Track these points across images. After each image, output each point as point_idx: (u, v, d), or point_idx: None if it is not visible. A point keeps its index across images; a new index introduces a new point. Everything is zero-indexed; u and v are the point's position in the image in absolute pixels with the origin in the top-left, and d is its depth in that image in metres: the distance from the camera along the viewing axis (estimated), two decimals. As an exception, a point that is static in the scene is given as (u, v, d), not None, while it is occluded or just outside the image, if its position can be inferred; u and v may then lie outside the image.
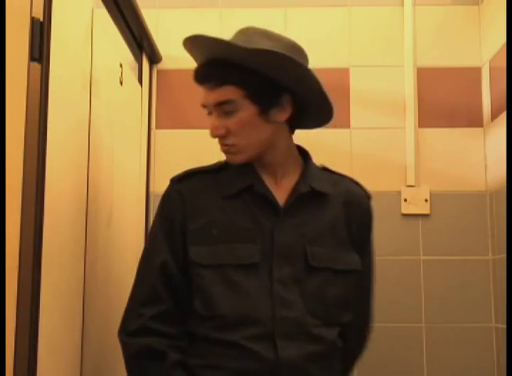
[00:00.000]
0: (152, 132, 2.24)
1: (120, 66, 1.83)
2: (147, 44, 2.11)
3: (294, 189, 1.32)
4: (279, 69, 1.24)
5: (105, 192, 1.65)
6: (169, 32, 2.27)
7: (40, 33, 1.19)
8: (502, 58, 2.03)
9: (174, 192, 1.35)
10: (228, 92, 1.26)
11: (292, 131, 1.36)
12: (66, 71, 1.33)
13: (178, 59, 2.26)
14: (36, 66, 1.18)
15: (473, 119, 2.22)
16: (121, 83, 1.84)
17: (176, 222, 1.30)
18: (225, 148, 1.30)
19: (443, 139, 2.23)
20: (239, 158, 1.30)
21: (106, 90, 1.64)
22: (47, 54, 1.21)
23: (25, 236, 1.13)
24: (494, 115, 2.12)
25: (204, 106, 1.32)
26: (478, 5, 2.27)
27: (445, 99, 2.24)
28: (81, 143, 1.45)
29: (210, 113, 1.31)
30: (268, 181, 1.33)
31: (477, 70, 2.24)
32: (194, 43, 1.28)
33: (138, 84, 2.14)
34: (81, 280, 1.43)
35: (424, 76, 2.25)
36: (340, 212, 1.35)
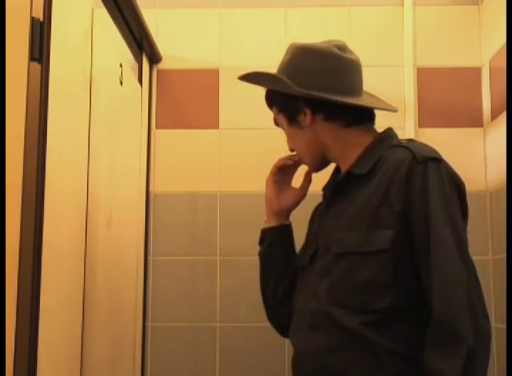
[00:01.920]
0: (152, 132, 2.23)
1: (120, 66, 1.83)
2: (147, 44, 2.11)
3: (338, 179, 1.38)
4: (273, 85, 1.38)
5: (105, 192, 1.65)
6: (169, 32, 2.27)
7: (40, 33, 1.19)
8: (502, 58, 2.02)
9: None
10: (274, 112, 1.44)
11: (348, 125, 1.36)
12: (66, 71, 1.33)
13: (178, 59, 2.26)
14: (36, 66, 1.18)
15: (473, 119, 2.22)
16: (121, 83, 1.84)
17: None
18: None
19: (443, 139, 2.23)
20: (310, 166, 1.46)
21: (106, 90, 1.64)
22: (47, 54, 1.21)
23: (25, 236, 1.13)
24: (494, 115, 2.12)
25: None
26: (478, 5, 2.27)
27: (445, 99, 2.24)
28: (81, 143, 1.45)
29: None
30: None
31: (477, 70, 2.24)
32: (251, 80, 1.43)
33: (138, 84, 2.14)
34: (81, 280, 1.43)
35: (424, 76, 2.25)
36: (380, 187, 1.24)
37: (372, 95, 1.45)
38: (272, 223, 1.49)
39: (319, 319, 1.26)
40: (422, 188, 1.20)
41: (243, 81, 1.40)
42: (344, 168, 1.37)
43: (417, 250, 1.19)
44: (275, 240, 1.48)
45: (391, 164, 1.25)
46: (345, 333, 1.21)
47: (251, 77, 1.39)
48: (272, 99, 1.42)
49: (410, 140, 1.36)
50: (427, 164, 1.21)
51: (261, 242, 1.50)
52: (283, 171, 1.50)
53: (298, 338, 1.33)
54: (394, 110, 1.41)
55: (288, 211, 1.50)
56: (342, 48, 1.38)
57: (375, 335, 1.18)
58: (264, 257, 1.49)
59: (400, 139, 1.37)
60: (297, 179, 1.54)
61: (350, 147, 1.35)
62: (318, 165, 1.43)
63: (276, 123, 1.45)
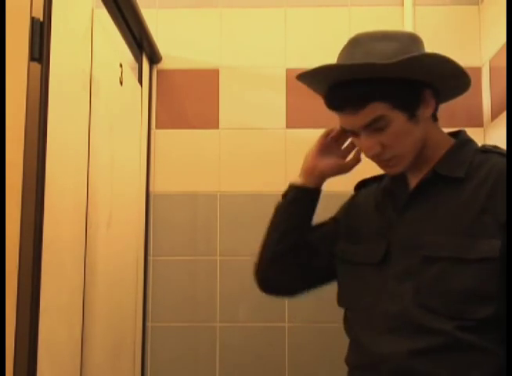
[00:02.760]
0: (152, 132, 2.23)
1: (120, 66, 1.83)
2: (147, 44, 2.11)
3: (420, 179, 1.26)
4: (420, 69, 1.20)
5: (105, 192, 1.65)
6: (169, 32, 2.27)
7: (40, 33, 1.19)
8: (502, 58, 2.02)
9: None
10: (376, 110, 1.20)
11: (436, 118, 1.30)
12: (66, 71, 1.33)
13: (178, 59, 2.26)
14: (36, 66, 1.18)
15: (473, 119, 2.22)
16: (121, 83, 1.84)
17: None
18: (385, 163, 1.26)
19: (443, 139, 2.23)
20: (401, 168, 1.27)
21: (106, 90, 1.64)
22: (47, 54, 1.21)
23: (25, 236, 1.13)
24: (494, 115, 2.12)
25: (347, 130, 1.27)
26: (478, 5, 2.27)
27: (445, 99, 2.24)
28: (81, 143, 1.45)
29: (355, 135, 1.26)
30: (410, 176, 1.30)
31: (477, 70, 2.24)
32: (319, 73, 1.23)
33: (138, 84, 2.14)
34: (81, 280, 1.43)
35: (424, 76, 2.25)
36: (480, 194, 1.17)
37: None
38: (305, 182, 1.39)
39: (402, 322, 1.19)
40: None
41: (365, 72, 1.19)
42: (415, 168, 1.28)
43: None
44: (300, 199, 1.40)
45: (492, 171, 1.19)
46: (435, 336, 1.16)
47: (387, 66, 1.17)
48: (381, 94, 1.20)
49: (496, 147, 1.30)
50: None
51: (285, 195, 1.41)
52: (335, 140, 1.39)
53: (374, 342, 1.23)
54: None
55: (323, 176, 1.39)
56: None
57: (470, 338, 1.15)
58: (280, 211, 1.41)
59: (483, 144, 1.32)
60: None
61: (437, 146, 1.27)
62: (410, 165, 1.27)
63: (370, 125, 1.22)
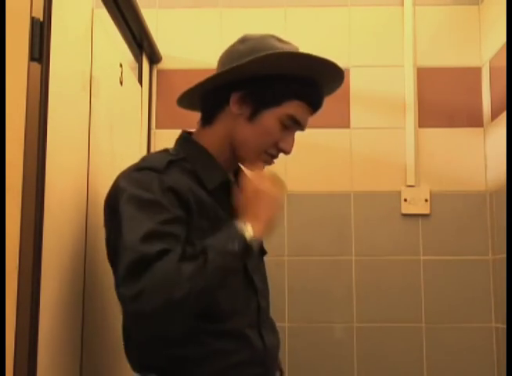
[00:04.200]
0: (152, 132, 2.24)
1: (120, 66, 1.83)
2: (147, 44, 2.11)
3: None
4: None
5: (105, 192, 1.65)
6: (169, 32, 2.27)
7: (40, 33, 1.19)
8: (502, 58, 2.02)
9: None
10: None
11: None
12: (66, 71, 1.33)
13: (178, 59, 2.26)
14: (36, 66, 1.18)
15: (473, 119, 2.22)
16: (121, 83, 1.84)
17: None
18: (273, 158, 1.33)
19: (443, 139, 2.23)
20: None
21: (106, 90, 1.64)
22: (47, 54, 1.21)
23: (25, 236, 1.13)
24: (494, 115, 2.12)
25: (288, 125, 1.31)
26: (478, 5, 2.27)
27: (445, 99, 2.24)
28: (81, 143, 1.45)
29: (289, 131, 1.32)
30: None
31: (477, 70, 2.24)
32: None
33: (138, 84, 2.14)
34: (81, 281, 1.43)
35: (424, 76, 2.25)
36: None
37: None
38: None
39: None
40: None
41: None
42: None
43: None
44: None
45: None
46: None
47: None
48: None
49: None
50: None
51: (249, 253, 1.17)
52: None
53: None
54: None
55: None
56: (280, 39, 1.33)
57: None
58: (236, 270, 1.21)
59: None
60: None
61: None
62: None
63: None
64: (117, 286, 1.13)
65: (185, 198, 1.18)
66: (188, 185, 1.21)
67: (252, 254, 1.16)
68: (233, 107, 1.29)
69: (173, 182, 1.19)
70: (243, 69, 1.26)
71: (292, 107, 1.28)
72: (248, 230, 1.14)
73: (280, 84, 1.28)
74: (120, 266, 1.11)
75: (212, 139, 1.33)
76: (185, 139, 1.37)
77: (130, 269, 1.08)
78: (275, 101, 1.27)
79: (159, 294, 1.06)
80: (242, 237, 1.13)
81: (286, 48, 1.29)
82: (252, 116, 1.28)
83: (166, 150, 1.35)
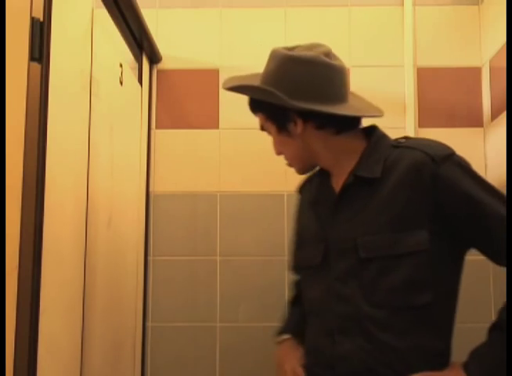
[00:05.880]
0: (152, 132, 2.24)
1: (120, 66, 1.83)
2: (147, 44, 2.11)
3: (343, 183, 1.34)
4: (264, 96, 1.32)
5: (105, 192, 1.65)
6: (169, 32, 2.27)
7: (40, 33, 1.19)
8: (502, 58, 2.02)
9: None
10: (260, 117, 1.41)
11: (338, 132, 1.35)
12: (66, 71, 1.33)
13: (178, 59, 2.26)
14: (36, 66, 1.18)
15: (473, 119, 2.22)
16: (121, 83, 1.84)
17: None
18: (288, 163, 1.44)
19: (443, 139, 2.20)
20: (298, 170, 1.43)
21: (106, 90, 1.64)
22: (47, 54, 1.21)
23: (25, 236, 1.13)
24: (494, 115, 2.12)
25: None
26: (478, 5, 2.27)
27: (445, 99, 2.24)
28: (81, 143, 1.45)
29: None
30: (334, 181, 1.38)
31: (477, 70, 2.24)
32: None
33: (138, 84, 2.14)
34: (81, 280, 1.43)
35: (424, 76, 2.25)
36: (399, 190, 1.26)
37: (359, 98, 1.44)
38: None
39: (354, 322, 1.26)
40: (453, 186, 1.26)
41: (231, 91, 1.36)
42: (337, 174, 1.37)
43: (470, 234, 1.26)
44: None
45: (406, 166, 1.26)
46: (388, 332, 1.25)
47: (239, 89, 1.36)
48: (257, 107, 1.39)
49: (406, 138, 1.37)
50: (446, 164, 1.28)
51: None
52: None
53: (327, 343, 1.30)
54: (381, 115, 1.40)
55: None
56: (328, 54, 1.34)
57: (416, 331, 1.25)
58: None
59: (395, 138, 1.37)
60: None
61: (344, 153, 1.35)
62: (306, 170, 1.44)
63: (263, 128, 1.42)
64: None
65: None
66: None
67: None
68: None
69: None
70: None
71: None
72: None
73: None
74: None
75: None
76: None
77: None
78: None
79: None
80: None
81: (335, 65, 1.33)
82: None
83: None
